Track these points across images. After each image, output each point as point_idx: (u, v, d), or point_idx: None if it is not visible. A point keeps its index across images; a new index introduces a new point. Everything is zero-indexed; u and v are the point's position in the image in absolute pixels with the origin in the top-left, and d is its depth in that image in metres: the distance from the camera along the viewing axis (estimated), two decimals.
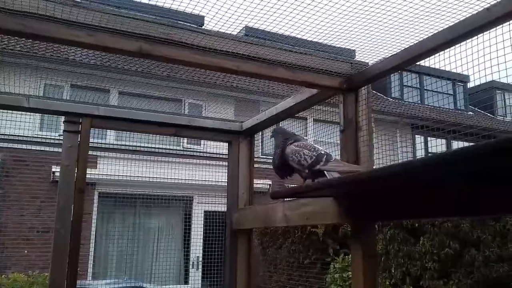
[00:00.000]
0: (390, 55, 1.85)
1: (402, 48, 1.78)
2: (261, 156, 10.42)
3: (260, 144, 10.27)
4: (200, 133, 2.93)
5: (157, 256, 9.47)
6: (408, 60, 1.79)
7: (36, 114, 8.51)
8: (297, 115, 2.86)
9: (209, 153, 9.66)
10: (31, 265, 7.53)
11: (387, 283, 5.12)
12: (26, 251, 8.09)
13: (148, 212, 9.69)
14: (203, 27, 1.98)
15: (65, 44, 1.71)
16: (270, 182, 9.93)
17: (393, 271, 5.09)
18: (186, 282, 9.48)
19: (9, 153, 8.54)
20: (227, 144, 3.01)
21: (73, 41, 1.63)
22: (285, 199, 2.22)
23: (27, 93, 2.58)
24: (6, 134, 8.53)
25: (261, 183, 9.25)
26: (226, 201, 2.95)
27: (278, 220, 2.29)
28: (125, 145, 9.63)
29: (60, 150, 2.57)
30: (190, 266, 9.46)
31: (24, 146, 8.55)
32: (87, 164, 2.60)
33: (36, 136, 8.70)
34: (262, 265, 7.57)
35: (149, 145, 9.57)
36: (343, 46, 2.03)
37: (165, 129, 2.77)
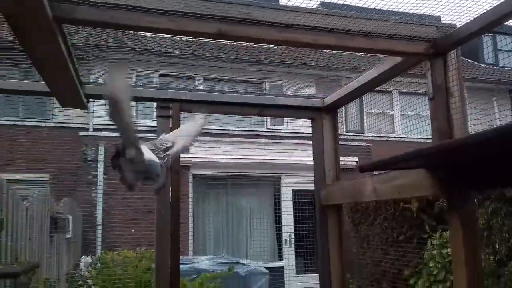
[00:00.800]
0: (480, 14, 1.70)
1: (492, 6, 1.63)
2: (346, 133, 10.23)
3: (344, 121, 10.07)
4: (283, 111, 2.96)
5: (251, 234, 9.81)
6: (499, 19, 1.64)
7: (132, 103, 9.17)
8: (381, 88, 2.75)
9: (293, 132, 9.70)
10: (138, 242, 8.24)
11: (491, 259, 4.80)
12: (133, 230, 8.85)
13: (239, 192, 10.03)
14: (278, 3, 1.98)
15: (148, 31, 1.81)
16: (357, 159, 9.73)
17: (497, 246, 4.75)
18: (280, 259, 9.73)
19: (111, 142, 9.31)
20: (310, 121, 3.00)
21: (153, 28, 1.72)
22: (374, 173, 2.17)
23: None
24: (106, 124, 9.32)
25: (347, 160, 9.11)
26: (313, 179, 2.96)
27: (367, 195, 2.25)
28: (214, 129, 10.02)
29: (154, 136, 2.75)
30: (283, 243, 9.67)
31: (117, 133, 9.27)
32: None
33: None
34: (354, 242, 7.49)
35: (235, 128, 9.85)
36: (426, 13, 1.91)
37: (249, 109, 2.84)
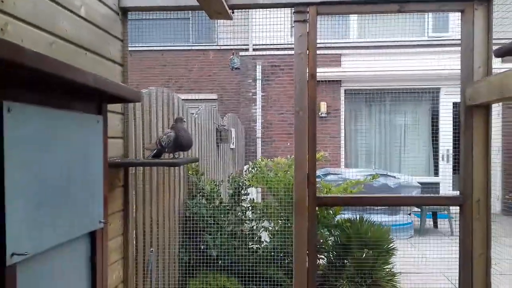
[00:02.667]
0: None
1: None
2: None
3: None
4: (426, 6, 2.75)
5: (404, 149, 9.54)
6: None
7: (283, 24, 9.36)
8: None
9: (458, 39, 8.71)
10: (291, 153, 8.80)
11: None
12: (288, 144, 9.44)
13: (394, 106, 9.68)
14: None
15: None
16: None
17: None
18: (436, 174, 9.35)
19: (267, 60, 9.77)
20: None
21: None
22: None
23: None
24: (263, 44, 9.77)
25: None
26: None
27: None
28: (368, 41, 9.64)
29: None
30: (440, 159, 9.21)
31: (278, 53, 9.65)
32: (316, 55, 2.82)
33: (287, 43, 9.64)
34: None
35: (392, 39, 9.32)
36: None
37: (388, 6, 2.72)
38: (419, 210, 7.56)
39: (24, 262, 1.14)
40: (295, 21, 2.80)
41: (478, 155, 2.66)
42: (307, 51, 2.80)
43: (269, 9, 2.93)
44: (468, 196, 2.70)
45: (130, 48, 2.93)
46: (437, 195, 5.44)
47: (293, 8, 2.79)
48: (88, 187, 1.51)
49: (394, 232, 6.44)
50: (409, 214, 7.59)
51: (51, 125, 1.33)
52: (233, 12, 2.87)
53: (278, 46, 9.62)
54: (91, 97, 1.70)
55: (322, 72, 9.02)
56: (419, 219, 7.55)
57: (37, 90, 1.35)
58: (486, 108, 2.60)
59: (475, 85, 2.56)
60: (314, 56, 2.82)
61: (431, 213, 7.72)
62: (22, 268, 1.13)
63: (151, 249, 3.51)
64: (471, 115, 2.65)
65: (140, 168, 3.54)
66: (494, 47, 2.64)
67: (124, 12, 2.83)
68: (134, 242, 3.17)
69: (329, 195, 3.74)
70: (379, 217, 5.60)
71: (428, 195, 5.67)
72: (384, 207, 6.94)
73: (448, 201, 3.05)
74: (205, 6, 2.58)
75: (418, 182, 7.53)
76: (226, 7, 2.66)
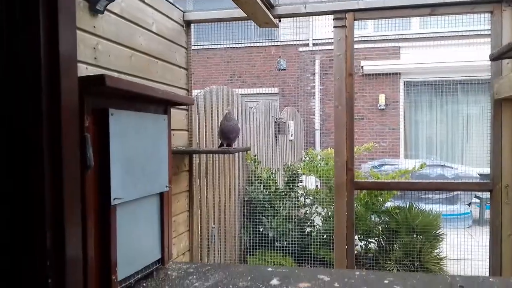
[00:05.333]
0: None
1: None
2: None
3: None
4: (457, 8, 2.97)
5: (467, 140, 9.38)
6: None
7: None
8: None
9: None
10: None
11: None
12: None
13: (455, 97, 9.52)
14: None
15: None
16: None
17: None
18: None
19: (325, 54, 10.03)
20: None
21: None
22: None
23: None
24: (321, 39, 10.04)
25: None
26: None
27: None
28: (429, 32, 9.54)
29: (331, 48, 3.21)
30: None
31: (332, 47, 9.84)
32: (353, 55, 3.15)
33: None
34: None
35: (454, 29, 9.16)
36: None
37: (420, 10, 2.98)
38: (479, 200, 7.53)
39: (120, 205, 1.83)
40: (334, 27, 3.15)
41: (506, 145, 2.87)
42: (346, 52, 3.14)
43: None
44: (497, 182, 2.93)
45: (198, 47, 3.43)
46: (469, 181, 5.48)
47: (332, 15, 3.14)
48: (158, 163, 2.08)
49: (452, 221, 6.55)
50: (468, 204, 7.58)
51: (136, 122, 1.98)
52: (279, 21, 3.29)
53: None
54: (160, 103, 2.24)
55: (381, 65, 9.15)
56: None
57: (127, 100, 1.91)
58: None
59: (500, 80, 2.77)
60: (351, 56, 3.16)
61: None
62: (119, 208, 1.83)
63: (213, 225, 4.05)
64: (500, 108, 2.87)
65: (204, 156, 4.08)
66: None
67: (188, 24, 3.34)
68: (199, 219, 3.71)
69: (365, 180, 4.04)
70: (436, 207, 5.76)
71: (461, 181, 5.72)
72: (441, 196, 7.03)
73: (479, 186, 3.26)
74: (253, 18, 3.02)
75: (481, 174, 7.46)
76: (272, 17, 3.08)
